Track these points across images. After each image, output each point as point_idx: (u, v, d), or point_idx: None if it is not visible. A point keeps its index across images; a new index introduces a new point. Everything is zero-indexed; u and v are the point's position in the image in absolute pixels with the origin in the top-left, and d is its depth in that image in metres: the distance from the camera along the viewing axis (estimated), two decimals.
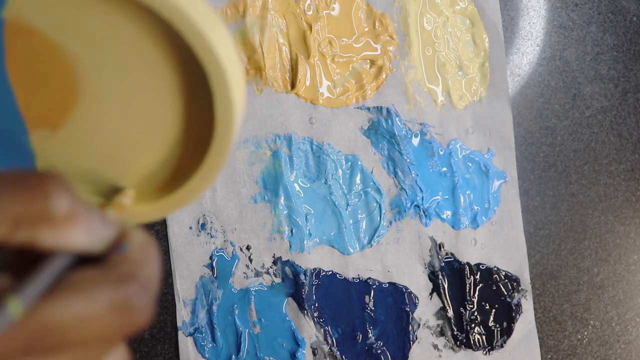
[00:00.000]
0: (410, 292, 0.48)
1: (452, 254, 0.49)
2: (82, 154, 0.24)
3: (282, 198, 0.46)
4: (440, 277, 0.49)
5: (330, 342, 0.46)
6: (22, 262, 0.16)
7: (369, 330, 0.47)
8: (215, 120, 0.21)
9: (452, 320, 0.49)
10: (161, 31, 0.20)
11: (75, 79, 0.22)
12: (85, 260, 0.17)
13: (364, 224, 0.48)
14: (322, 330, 0.46)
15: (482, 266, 0.50)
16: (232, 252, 0.45)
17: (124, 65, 0.21)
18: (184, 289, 0.45)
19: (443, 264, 0.49)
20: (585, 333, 0.52)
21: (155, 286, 0.17)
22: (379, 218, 0.48)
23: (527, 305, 0.50)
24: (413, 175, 0.48)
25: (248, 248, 0.46)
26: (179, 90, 0.22)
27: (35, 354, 0.14)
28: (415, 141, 0.48)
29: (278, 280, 0.46)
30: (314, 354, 0.46)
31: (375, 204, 0.48)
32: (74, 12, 0.20)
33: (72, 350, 0.15)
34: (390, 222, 0.48)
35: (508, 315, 0.50)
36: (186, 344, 0.45)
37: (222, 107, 0.21)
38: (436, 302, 0.49)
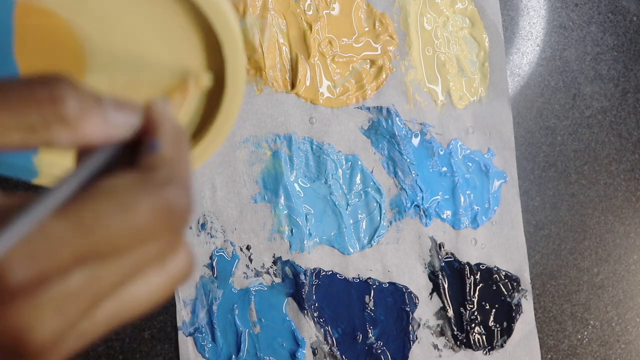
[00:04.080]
0: (410, 292, 0.48)
1: (452, 254, 0.49)
2: None
3: (282, 198, 0.46)
4: (440, 277, 0.49)
5: (330, 342, 0.46)
6: None
7: (369, 330, 0.47)
8: (225, 76, 0.23)
9: (452, 320, 0.49)
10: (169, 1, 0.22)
11: (84, 51, 0.23)
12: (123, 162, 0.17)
13: (364, 224, 0.48)
14: (322, 330, 0.46)
15: (482, 266, 0.50)
16: (232, 252, 0.45)
17: (131, 33, 0.22)
18: (184, 289, 0.45)
19: (443, 263, 0.49)
20: (585, 333, 0.52)
21: (192, 181, 0.17)
22: (379, 218, 0.48)
23: (527, 305, 0.50)
24: (413, 175, 0.48)
25: (248, 248, 0.46)
26: (188, 49, 0.24)
27: (93, 262, 0.15)
28: (415, 141, 0.48)
29: (278, 280, 0.46)
30: (314, 353, 0.46)
31: (375, 204, 0.48)
32: None
33: (127, 256, 0.15)
34: (390, 222, 0.48)
35: (508, 315, 0.50)
36: (186, 344, 0.45)
37: (232, 63, 0.23)
38: (436, 302, 0.49)
